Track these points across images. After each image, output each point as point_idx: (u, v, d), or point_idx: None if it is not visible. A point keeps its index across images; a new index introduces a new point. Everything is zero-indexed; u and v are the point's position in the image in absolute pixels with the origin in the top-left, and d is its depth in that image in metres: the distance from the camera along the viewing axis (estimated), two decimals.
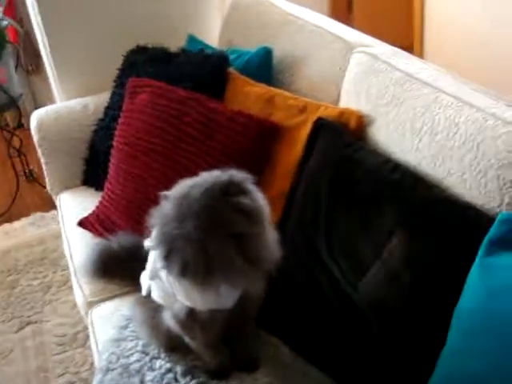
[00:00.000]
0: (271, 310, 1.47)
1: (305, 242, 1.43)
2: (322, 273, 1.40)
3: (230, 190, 1.17)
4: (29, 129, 3.91)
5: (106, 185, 1.98)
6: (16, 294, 2.79)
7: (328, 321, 1.39)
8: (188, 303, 1.29)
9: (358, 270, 1.33)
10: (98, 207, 2.01)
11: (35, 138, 2.32)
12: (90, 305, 1.79)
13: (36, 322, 2.60)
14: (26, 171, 3.59)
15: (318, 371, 1.40)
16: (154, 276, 1.37)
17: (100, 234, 1.94)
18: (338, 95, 1.77)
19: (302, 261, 1.45)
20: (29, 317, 2.64)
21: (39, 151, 2.33)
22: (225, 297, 1.27)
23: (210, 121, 1.75)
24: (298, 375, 1.40)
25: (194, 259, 1.15)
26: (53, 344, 2.48)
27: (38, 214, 3.36)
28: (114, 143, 1.97)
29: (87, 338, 2.44)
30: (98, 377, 1.47)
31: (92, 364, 2.33)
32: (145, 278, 1.48)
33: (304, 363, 1.42)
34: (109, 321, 1.67)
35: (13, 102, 3.10)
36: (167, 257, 1.19)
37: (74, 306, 2.61)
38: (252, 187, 1.21)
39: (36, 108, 3.36)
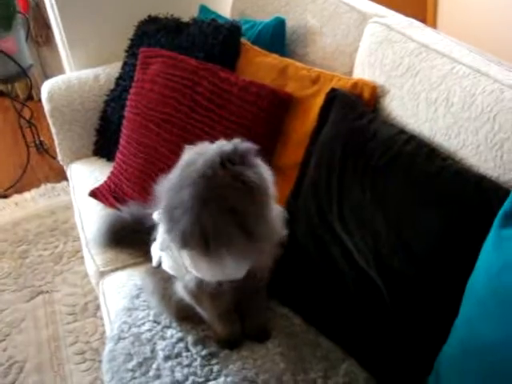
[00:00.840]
0: (283, 280, 1.47)
1: (317, 213, 1.43)
2: (334, 243, 1.40)
3: (233, 160, 1.14)
4: (39, 100, 3.93)
5: (118, 155, 1.98)
6: (27, 264, 2.80)
7: (340, 291, 1.39)
8: (197, 274, 1.29)
9: (371, 240, 1.32)
10: (109, 178, 2.01)
11: (46, 108, 2.31)
12: (102, 274, 1.79)
13: (47, 292, 2.62)
14: (37, 142, 3.58)
15: (329, 341, 1.40)
16: (165, 247, 1.37)
17: (111, 205, 1.94)
18: (352, 66, 1.75)
19: (314, 231, 1.44)
20: (40, 286, 2.66)
21: (50, 121, 2.33)
22: (232, 268, 1.26)
23: (222, 91, 1.74)
24: (309, 346, 1.40)
25: (190, 230, 1.13)
26: (63, 314, 2.50)
27: (49, 185, 3.36)
28: (126, 113, 1.96)
29: (97, 307, 2.46)
30: (109, 345, 1.48)
31: (102, 334, 2.35)
32: (155, 249, 1.48)
33: (315, 334, 1.42)
34: (120, 290, 1.68)
35: (23, 73, 3.08)
36: (171, 229, 1.18)
37: (85, 276, 2.62)
38: (257, 160, 1.17)
39: (46, 79, 3.35)
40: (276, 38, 1.96)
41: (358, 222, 1.36)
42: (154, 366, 1.38)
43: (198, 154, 1.18)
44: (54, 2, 2.41)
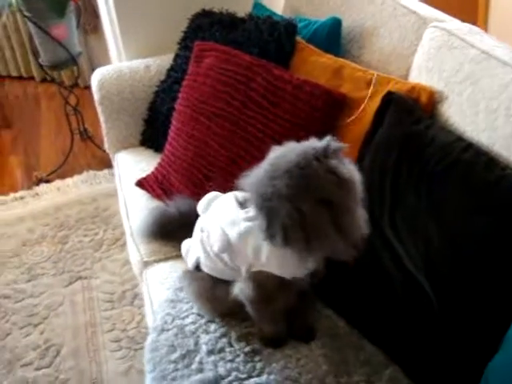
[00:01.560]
0: (328, 281, 1.46)
1: (368, 216, 1.41)
2: (383, 247, 1.39)
3: (327, 154, 1.15)
4: (84, 87, 3.96)
5: (166, 146, 1.98)
6: (67, 249, 2.83)
7: (386, 295, 1.37)
8: (277, 271, 1.28)
9: (422, 246, 1.31)
10: (156, 168, 2.02)
11: (96, 96, 2.33)
12: (146, 265, 1.80)
13: (86, 278, 2.65)
14: (81, 129, 3.61)
15: (372, 345, 1.39)
16: (226, 249, 1.35)
17: (158, 195, 1.95)
18: (408, 70, 1.73)
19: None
20: (79, 272, 2.69)
21: (99, 109, 2.35)
22: (312, 263, 1.27)
23: (276, 88, 1.73)
24: (353, 348, 1.39)
25: (290, 221, 1.12)
26: (101, 300, 2.52)
27: (91, 172, 3.40)
28: (177, 106, 1.97)
29: (135, 296, 2.48)
30: (152, 336, 1.49)
31: (139, 322, 2.37)
32: (191, 251, 1.49)
33: (359, 337, 1.41)
34: (164, 282, 1.69)
35: (72, 60, 3.11)
36: (270, 224, 1.16)
37: (124, 264, 2.65)
38: (347, 159, 1.20)
39: (92, 68, 3.37)
40: (331, 37, 1.95)
41: (409, 227, 1.35)
42: (197, 359, 1.38)
43: (288, 150, 1.20)
44: None
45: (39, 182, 3.35)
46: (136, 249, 1.85)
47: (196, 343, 1.42)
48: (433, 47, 1.60)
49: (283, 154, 1.19)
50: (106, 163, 3.45)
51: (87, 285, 2.61)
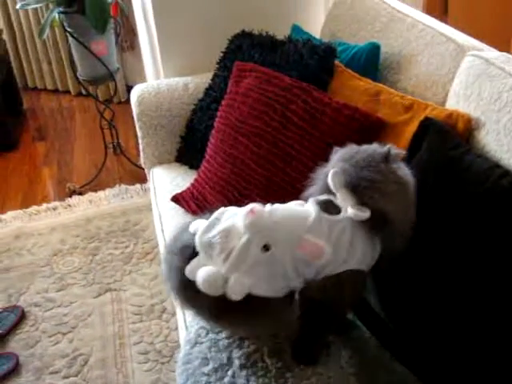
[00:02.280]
0: (362, 301, 1.48)
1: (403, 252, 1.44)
2: (417, 269, 1.40)
3: (389, 158, 1.33)
4: (118, 103, 4.03)
5: (203, 163, 2.02)
6: (97, 260, 2.88)
7: (418, 318, 1.39)
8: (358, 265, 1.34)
9: (460, 274, 1.33)
10: (192, 184, 2.05)
11: (135, 111, 2.38)
12: None
13: (115, 290, 2.69)
14: (115, 144, 3.68)
15: (403, 367, 1.40)
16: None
17: (193, 211, 1.99)
18: (445, 97, 1.76)
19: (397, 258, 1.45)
20: (108, 284, 2.73)
21: (137, 125, 2.40)
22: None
23: (315, 110, 1.76)
24: (383, 369, 1.41)
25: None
26: (130, 313, 2.56)
27: (123, 187, 3.46)
28: (215, 124, 2.01)
29: (163, 310, 2.52)
30: (185, 348, 1.52)
31: (166, 336, 2.40)
32: (238, 281, 1.32)
33: (390, 358, 1.43)
34: None
35: (110, 76, 3.17)
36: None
37: (153, 278, 2.69)
38: (403, 164, 1.38)
39: (126, 84, 3.44)
40: (369, 62, 1.98)
41: (447, 254, 1.36)
42: (230, 372, 1.41)
43: (354, 152, 1.38)
44: (151, 10, 2.49)
45: (72, 193, 3.41)
46: None
47: (229, 357, 1.44)
48: (471, 75, 1.62)
49: (351, 154, 1.37)
50: (137, 178, 3.52)
51: (116, 297, 2.65)
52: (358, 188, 1.31)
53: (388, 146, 1.35)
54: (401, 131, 1.68)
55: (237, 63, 2.04)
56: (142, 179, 3.49)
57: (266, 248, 1.31)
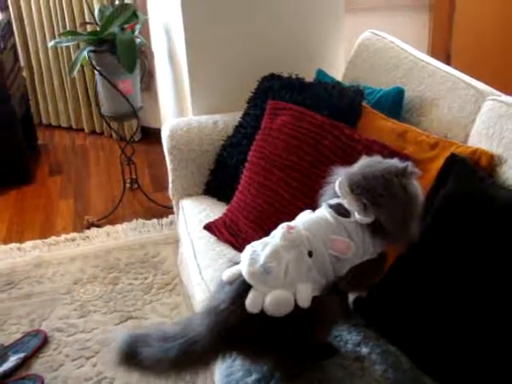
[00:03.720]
0: (394, 319, 1.60)
1: (432, 270, 1.57)
2: (447, 294, 1.53)
3: (404, 173, 1.52)
4: (133, 142, 4.16)
5: (236, 194, 2.15)
6: (117, 290, 2.97)
7: (448, 334, 1.50)
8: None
9: (482, 299, 1.45)
10: (225, 214, 2.18)
11: (167, 145, 2.52)
12: None
13: (136, 318, 2.77)
14: (132, 179, 3.81)
15: (433, 381, 1.51)
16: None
17: (225, 239, 2.11)
18: (466, 136, 1.91)
19: (429, 284, 1.57)
20: (129, 312, 2.81)
21: (168, 158, 2.53)
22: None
23: (346, 146, 1.91)
24: (412, 382, 1.52)
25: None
26: None
27: (140, 221, 3.56)
28: (249, 157, 2.15)
29: None
30: (227, 361, 1.60)
31: None
32: (303, 289, 1.47)
33: (421, 373, 1.54)
34: None
35: (134, 114, 3.32)
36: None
37: (173, 308, 2.79)
38: (417, 182, 1.56)
39: (138, 123, 3.60)
40: (394, 105, 2.13)
41: (474, 283, 1.49)
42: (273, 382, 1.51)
43: (375, 162, 1.59)
44: (183, 53, 2.65)
45: (90, 226, 3.52)
46: (205, 285, 1.99)
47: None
48: (492, 116, 1.78)
49: (372, 164, 1.59)
50: (153, 213, 3.63)
51: (138, 324, 2.73)
52: (362, 196, 1.52)
53: (407, 162, 1.53)
54: (427, 167, 1.81)
55: (270, 102, 2.19)
56: (157, 215, 3.61)
57: (310, 254, 1.49)
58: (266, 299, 1.42)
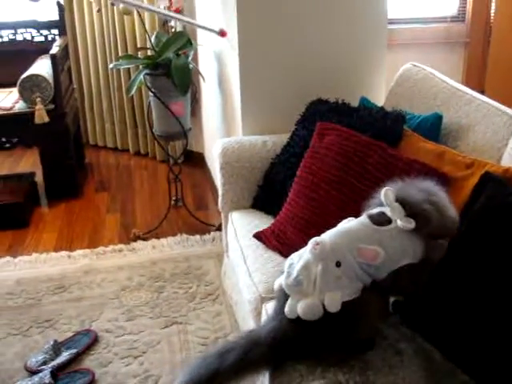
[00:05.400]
0: (427, 316, 1.77)
1: (465, 282, 1.74)
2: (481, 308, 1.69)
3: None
4: (176, 163, 4.38)
5: (285, 206, 2.34)
6: (163, 297, 3.16)
7: (480, 335, 1.66)
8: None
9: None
10: (273, 224, 2.37)
11: (219, 161, 2.72)
12: (263, 300, 2.12)
13: (181, 323, 2.95)
14: (178, 197, 4.02)
15: (465, 375, 1.67)
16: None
17: (273, 246, 2.30)
18: (499, 159, 2.08)
19: (462, 289, 1.74)
20: (174, 318, 2.99)
21: (220, 173, 2.73)
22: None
23: (389, 164, 2.09)
24: (447, 375, 1.68)
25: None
26: (196, 343, 2.81)
27: (184, 236, 3.76)
28: (298, 172, 2.34)
29: None
30: None
31: None
32: (331, 297, 1.68)
33: (453, 366, 1.70)
34: None
35: (183, 134, 3.55)
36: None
37: (216, 315, 2.97)
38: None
39: (183, 146, 3.83)
40: (433, 129, 2.32)
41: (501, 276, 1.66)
42: None
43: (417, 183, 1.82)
44: (237, 78, 2.89)
45: (136, 238, 3.73)
46: (254, 286, 2.17)
47: None
48: None
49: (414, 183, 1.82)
50: (195, 229, 3.84)
51: (182, 329, 2.91)
52: (407, 202, 1.70)
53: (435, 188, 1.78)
54: (463, 185, 1.99)
55: (319, 123, 2.39)
56: (199, 231, 3.81)
57: (338, 264, 1.69)
58: (297, 306, 1.68)
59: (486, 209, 1.79)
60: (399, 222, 1.71)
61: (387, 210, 1.76)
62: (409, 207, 1.70)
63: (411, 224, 1.70)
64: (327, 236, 1.77)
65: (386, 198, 1.73)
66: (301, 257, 1.76)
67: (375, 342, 1.77)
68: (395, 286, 1.76)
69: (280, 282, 1.79)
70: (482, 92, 4.40)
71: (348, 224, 1.81)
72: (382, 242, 1.71)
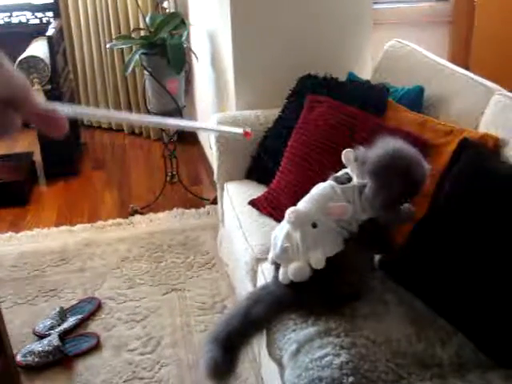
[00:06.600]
0: (410, 269, 1.94)
1: (446, 237, 1.90)
2: (459, 260, 1.85)
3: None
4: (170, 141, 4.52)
5: (278, 174, 2.50)
6: (162, 267, 3.32)
7: (459, 285, 1.83)
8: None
9: (489, 253, 1.78)
10: (267, 192, 2.53)
11: (214, 135, 2.87)
12: (258, 261, 2.28)
13: (180, 290, 3.11)
14: (173, 173, 4.17)
15: (443, 319, 1.84)
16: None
17: (267, 212, 2.45)
18: (477, 126, 2.24)
19: (443, 243, 1.91)
20: (173, 285, 3.15)
21: (215, 147, 2.88)
22: None
23: (374, 132, 2.24)
24: (428, 319, 1.84)
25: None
26: (195, 308, 2.97)
27: (180, 210, 3.91)
28: (290, 143, 2.49)
29: (224, 307, 2.94)
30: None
31: None
32: (315, 256, 1.85)
33: (433, 312, 1.86)
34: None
35: (178, 112, 3.69)
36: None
37: (212, 283, 3.13)
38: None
39: None
40: (415, 101, 2.47)
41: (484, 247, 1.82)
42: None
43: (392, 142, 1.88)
44: (231, 59, 3.04)
45: (134, 213, 3.87)
46: (250, 248, 2.33)
47: None
48: (498, 108, 2.12)
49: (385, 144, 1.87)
50: (190, 204, 3.98)
51: (181, 295, 3.07)
52: (363, 164, 1.82)
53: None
54: (442, 150, 2.15)
55: (309, 96, 2.54)
56: (194, 205, 3.96)
57: (314, 226, 1.85)
58: (288, 271, 1.84)
59: (464, 171, 1.95)
60: (355, 179, 1.88)
61: (348, 170, 1.93)
62: (366, 166, 1.81)
63: (364, 180, 1.84)
64: (300, 204, 1.95)
65: (345, 158, 1.90)
66: (282, 228, 1.94)
67: (361, 294, 1.93)
68: (363, 238, 1.90)
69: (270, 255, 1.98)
70: (467, 69, 4.56)
71: (317, 189, 1.96)
72: (348, 198, 1.87)
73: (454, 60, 4.45)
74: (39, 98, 0.58)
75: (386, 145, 1.82)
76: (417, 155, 1.82)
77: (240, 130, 0.93)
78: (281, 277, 1.88)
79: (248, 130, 0.90)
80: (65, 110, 0.57)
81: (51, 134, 0.60)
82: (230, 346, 1.83)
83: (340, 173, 1.96)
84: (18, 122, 0.58)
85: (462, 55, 4.64)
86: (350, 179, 1.90)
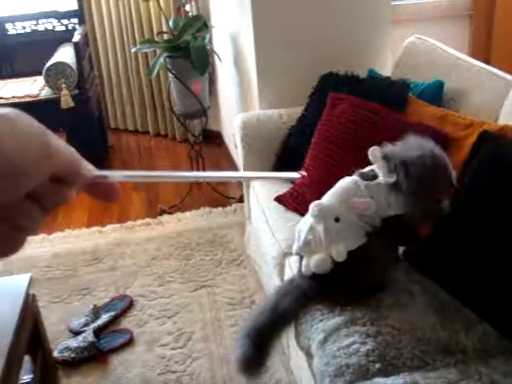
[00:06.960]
0: (435, 260, 1.99)
1: (469, 229, 1.94)
2: (483, 251, 1.90)
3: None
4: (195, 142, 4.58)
5: (302, 170, 2.56)
6: (191, 264, 3.40)
7: (484, 276, 1.88)
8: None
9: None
10: (292, 188, 2.59)
11: (239, 134, 2.94)
12: (286, 255, 2.34)
13: (209, 286, 3.19)
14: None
15: (468, 309, 1.89)
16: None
17: (292, 208, 2.52)
18: (496, 119, 2.29)
19: (467, 234, 1.96)
20: (202, 282, 3.23)
21: (240, 145, 2.95)
22: None
23: (396, 128, 2.30)
24: (453, 308, 1.89)
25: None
26: (224, 303, 3.04)
27: (207, 209, 3.99)
28: (313, 139, 2.55)
29: (253, 302, 3.01)
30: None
31: None
32: (336, 249, 1.91)
33: (456, 301, 1.91)
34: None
35: (203, 113, 3.76)
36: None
37: (241, 278, 3.20)
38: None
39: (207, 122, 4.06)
40: (435, 95, 2.52)
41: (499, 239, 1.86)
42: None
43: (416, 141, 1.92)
44: (254, 55, 3.10)
45: (162, 213, 3.96)
46: (277, 243, 2.40)
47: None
48: None
49: (410, 141, 1.92)
50: (217, 203, 4.06)
51: (211, 291, 3.14)
52: (390, 162, 1.85)
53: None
54: (463, 143, 2.20)
55: (331, 94, 2.60)
56: (221, 204, 4.03)
57: (336, 220, 1.90)
58: (310, 263, 1.90)
59: (484, 162, 1.99)
60: (381, 177, 1.92)
61: (375, 167, 1.96)
62: (392, 164, 1.85)
63: (392, 178, 1.88)
64: (324, 198, 2.00)
65: (372, 156, 1.93)
66: (306, 221, 1.99)
67: (385, 285, 1.99)
68: (387, 232, 1.94)
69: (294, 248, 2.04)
70: (488, 63, 4.58)
71: (341, 183, 2.01)
72: (372, 194, 1.91)
73: (474, 54, 4.47)
74: (89, 166, 0.61)
75: (418, 143, 1.88)
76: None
77: (297, 175, 1.02)
78: (303, 268, 1.93)
79: (303, 173, 0.99)
80: (115, 175, 0.61)
81: (105, 201, 0.64)
82: (260, 341, 1.89)
83: (366, 169, 2.00)
84: (72, 194, 0.61)
85: (482, 49, 4.65)
86: (375, 176, 1.94)
